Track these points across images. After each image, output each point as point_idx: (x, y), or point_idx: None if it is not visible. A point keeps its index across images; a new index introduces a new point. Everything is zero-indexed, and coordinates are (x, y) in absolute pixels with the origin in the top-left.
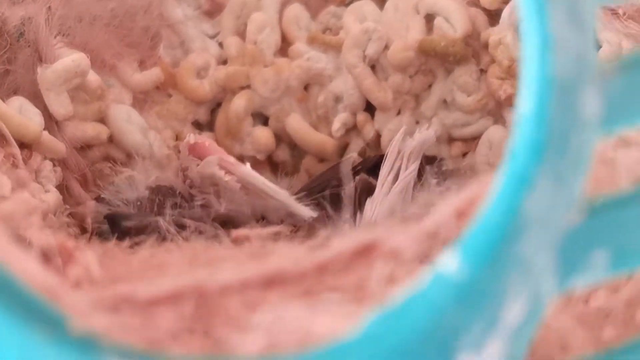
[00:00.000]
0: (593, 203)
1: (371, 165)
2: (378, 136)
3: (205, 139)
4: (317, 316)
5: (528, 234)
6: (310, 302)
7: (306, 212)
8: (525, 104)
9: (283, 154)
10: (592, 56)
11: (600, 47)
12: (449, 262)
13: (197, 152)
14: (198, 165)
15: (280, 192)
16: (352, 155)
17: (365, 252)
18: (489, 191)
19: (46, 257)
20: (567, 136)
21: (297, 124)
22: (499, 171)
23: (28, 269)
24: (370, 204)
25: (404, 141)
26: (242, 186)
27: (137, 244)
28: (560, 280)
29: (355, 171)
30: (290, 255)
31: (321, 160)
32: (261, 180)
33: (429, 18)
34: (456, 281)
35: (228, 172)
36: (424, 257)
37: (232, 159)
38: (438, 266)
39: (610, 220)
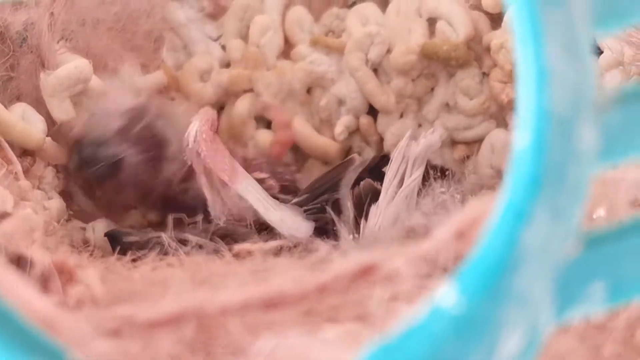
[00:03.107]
0: (590, 235)
1: (374, 165)
2: (381, 139)
3: (218, 142)
4: (317, 344)
5: (525, 267)
6: (310, 326)
7: (301, 232)
8: (522, 139)
9: (286, 157)
10: (589, 88)
11: (601, 53)
12: (447, 295)
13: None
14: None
15: (272, 214)
16: (354, 156)
17: (365, 274)
18: (487, 223)
19: (47, 277)
20: (564, 170)
21: (300, 127)
22: (496, 201)
23: (26, 298)
24: (374, 211)
25: (408, 146)
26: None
27: (139, 258)
28: (558, 312)
29: (359, 175)
30: (291, 274)
31: (324, 163)
32: (255, 199)
33: (432, 21)
34: (454, 314)
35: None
36: (424, 278)
37: (225, 176)
38: (436, 299)
39: (607, 252)
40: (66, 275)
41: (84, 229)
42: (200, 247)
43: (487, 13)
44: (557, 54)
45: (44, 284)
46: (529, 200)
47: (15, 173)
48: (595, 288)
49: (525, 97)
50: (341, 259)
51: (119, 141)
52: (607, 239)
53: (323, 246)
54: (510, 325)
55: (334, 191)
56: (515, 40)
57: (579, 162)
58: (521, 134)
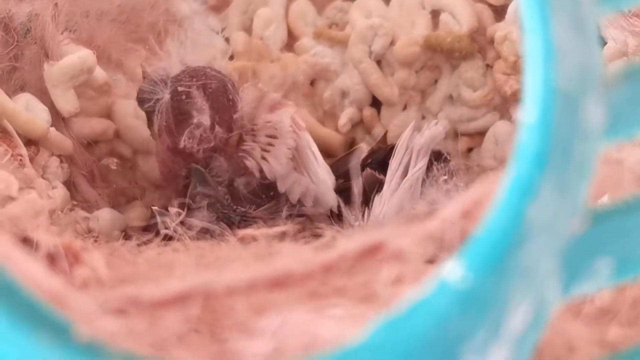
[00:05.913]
0: (596, 211)
1: (381, 159)
2: (384, 131)
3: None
4: (323, 320)
5: (531, 242)
6: (316, 305)
7: (331, 201)
8: (529, 115)
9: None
10: (596, 65)
11: (605, 43)
12: (453, 270)
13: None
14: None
15: (320, 174)
16: (361, 146)
17: (370, 254)
18: (493, 199)
19: (53, 259)
20: (571, 145)
21: (304, 119)
22: (503, 178)
23: (33, 274)
24: (378, 200)
25: (412, 137)
26: (292, 156)
27: (144, 243)
28: (564, 288)
29: (365, 166)
30: (296, 256)
31: (328, 155)
32: (316, 154)
33: (435, 14)
34: (460, 289)
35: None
36: (430, 257)
37: (303, 123)
38: (442, 274)
39: (613, 227)
40: (72, 257)
41: (87, 218)
42: (206, 231)
43: (490, 5)
44: (563, 32)
45: (51, 265)
46: (535, 175)
47: (21, 160)
48: (601, 264)
49: (532, 73)
50: (347, 239)
51: (174, 82)
52: (613, 216)
53: (328, 231)
54: (516, 301)
55: (341, 180)
56: (522, 19)
57: (585, 138)
58: (528, 110)
